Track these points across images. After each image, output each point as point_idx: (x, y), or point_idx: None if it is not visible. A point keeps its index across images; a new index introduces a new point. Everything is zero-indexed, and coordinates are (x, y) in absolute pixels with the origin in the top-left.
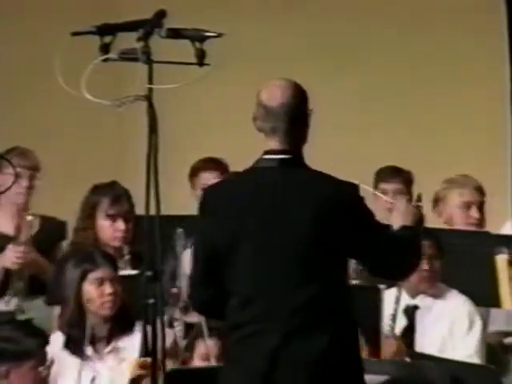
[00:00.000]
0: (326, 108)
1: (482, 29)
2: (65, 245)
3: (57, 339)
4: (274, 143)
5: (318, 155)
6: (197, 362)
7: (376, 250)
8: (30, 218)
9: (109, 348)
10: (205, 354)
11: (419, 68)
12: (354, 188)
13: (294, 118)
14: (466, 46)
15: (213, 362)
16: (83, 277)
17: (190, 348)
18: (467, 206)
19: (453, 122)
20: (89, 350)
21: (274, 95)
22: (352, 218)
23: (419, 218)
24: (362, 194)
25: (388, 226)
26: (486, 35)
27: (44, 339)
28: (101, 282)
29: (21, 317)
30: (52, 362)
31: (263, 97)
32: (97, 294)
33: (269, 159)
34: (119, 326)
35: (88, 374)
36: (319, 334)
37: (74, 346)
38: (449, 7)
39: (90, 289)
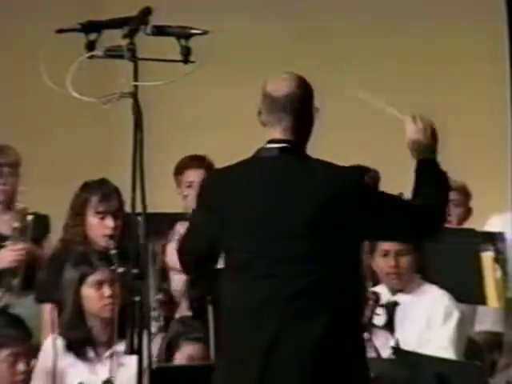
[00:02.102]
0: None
1: (480, 28)
2: (53, 240)
3: (54, 342)
4: (276, 133)
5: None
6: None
7: (396, 223)
8: (30, 217)
9: (108, 352)
10: (190, 355)
11: (413, 67)
12: (357, 173)
13: (299, 109)
14: (464, 45)
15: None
16: (82, 280)
17: (173, 347)
18: None
19: (450, 120)
20: (90, 353)
21: (280, 86)
22: (356, 201)
23: (432, 131)
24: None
25: (396, 196)
26: (484, 34)
27: (25, 332)
28: (100, 285)
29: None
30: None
31: (269, 88)
32: (96, 296)
33: (270, 148)
34: (118, 330)
35: (91, 377)
36: (317, 320)
37: (76, 348)
38: (446, 5)
39: (89, 292)
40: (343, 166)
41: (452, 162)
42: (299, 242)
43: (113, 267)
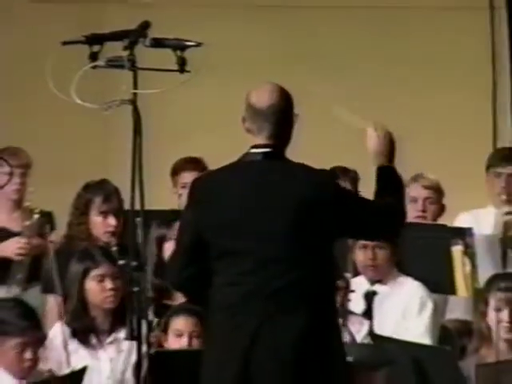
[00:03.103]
0: (302, 112)
1: (465, 31)
2: (58, 235)
3: (59, 330)
4: (260, 140)
5: (300, 154)
6: (171, 340)
7: (365, 222)
8: (36, 216)
9: (110, 339)
10: (178, 330)
11: (402, 71)
12: (332, 175)
13: (280, 118)
14: (450, 49)
15: (185, 339)
16: (85, 274)
17: (164, 327)
18: (414, 200)
19: (427, 122)
20: (93, 340)
21: (263, 97)
22: (333, 202)
23: (390, 140)
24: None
25: (366, 199)
26: (468, 39)
27: (35, 323)
28: (102, 279)
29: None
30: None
31: (252, 99)
32: (99, 289)
33: (254, 153)
34: (120, 318)
35: (93, 362)
36: (298, 316)
37: (80, 336)
38: (430, 10)
39: (92, 285)
40: (319, 169)
41: (428, 162)
42: (281, 242)
43: (118, 262)
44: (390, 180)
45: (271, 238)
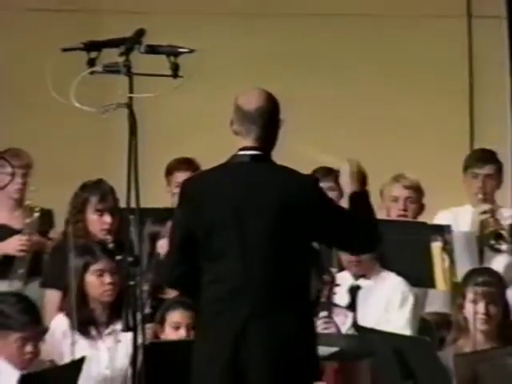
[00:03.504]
0: (289, 117)
1: (443, 38)
2: (56, 232)
3: (60, 321)
4: (247, 142)
5: (290, 157)
6: (168, 332)
7: (340, 231)
8: (37, 214)
9: (108, 330)
10: (175, 322)
11: (383, 75)
12: (315, 180)
13: (267, 121)
14: (429, 54)
15: (182, 331)
16: (85, 268)
17: (161, 320)
18: (395, 199)
19: (409, 128)
20: (92, 331)
21: (250, 100)
22: (314, 206)
23: (363, 178)
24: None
25: (345, 209)
26: (447, 44)
27: (36, 318)
28: (101, 273)
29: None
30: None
31: (240, 102)
32: (97, 283)
33: (242, 155)
34: (117, 311)
35: (93, 352)
36: (284, 309)
37: (80, 328)
38: (415, 17)
39: (91, 279)
40: (302, 173)
41: (408, 163)
42: (265, 240)
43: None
44: (363, 203)
45: (256, 236)
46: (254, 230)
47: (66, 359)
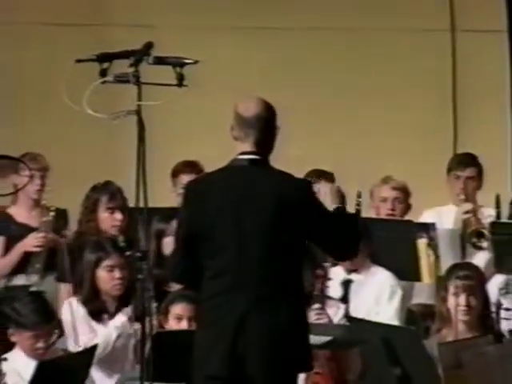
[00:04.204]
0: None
1: (433, 50)
2: (70, 231)
3: (70, 309)
4: (246, 146)
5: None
6: (171, 323)
7: (327, 234)
8: (52, 213)
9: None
10: (179, 314)
11: (371, 85)
12: (308, 183)
13: (265, 126)
14: (415, 64)
15: (184, 323)
16: (97, 263)
17: (165, 311)
18: (384, 200)
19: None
20: (105, 318)
21: (249, 108)
22: (306, 207)
23: (341, 196)
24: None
25: (333, 215)
26: (430, 55)
27: (47, 317)
28: (111, 269)
29: (34, 289)
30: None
31: (239, 109)
32: (108, 278)
33: (241, 159)
34: (124, 303)
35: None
36: (279, 302)
37: (94, 315)
38: (402, 31)
39: (102, 274)
40: (296, 177)
41: (396, 166)
42: (260, 238)
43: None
44: (344, 215)
45: (253, 235)
46: (251, 229)
47: (78, 343)
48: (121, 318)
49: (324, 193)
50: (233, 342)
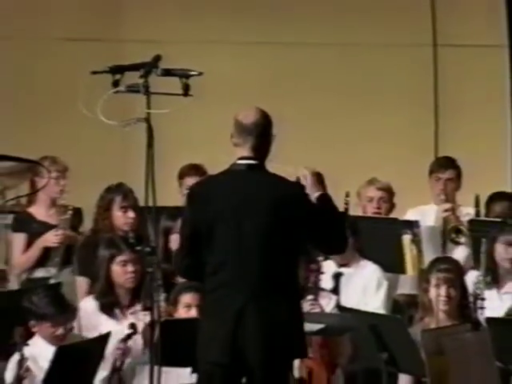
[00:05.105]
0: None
1: (416, 64)
2: (86, 228)
3: (89, 303)
4: (244, 152)
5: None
6: (181, 311)
7: (320, 232)
8: (70, 212)
9: (131, 310)
10: (187, 303)
11: (360, 95)
12: (301, 186)
13: (262, 132)
14: (399, 77)
15: (193, 311)
16: (111, 259)
17: (174, 301)
18: (370, 199)
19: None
20: (117, 312)
21: (248, 116)
22: (300, 208)
23: (321, 179)
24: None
25: (325, 213)
26: (413, 69)
27: (64, 308)
28: (125, 264)
29: (53, 281)
30: (71, 328)
31: (239, 117)
32: (122, 272)
33: (240, 164)
34: (137, 295)
35: (117, 328)
36: (276, 295)
37: (107, 309)
38: (387, 46)
39: (116, 269)
40: (290, 180)
41: (381, 168)
42: (260, 235)
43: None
44: (329, 204)
45: (251, 233)
46: (249, 227)
47: (96, 332)
48: (125, 331)
49: (303, 177)
50: (233, 334)
